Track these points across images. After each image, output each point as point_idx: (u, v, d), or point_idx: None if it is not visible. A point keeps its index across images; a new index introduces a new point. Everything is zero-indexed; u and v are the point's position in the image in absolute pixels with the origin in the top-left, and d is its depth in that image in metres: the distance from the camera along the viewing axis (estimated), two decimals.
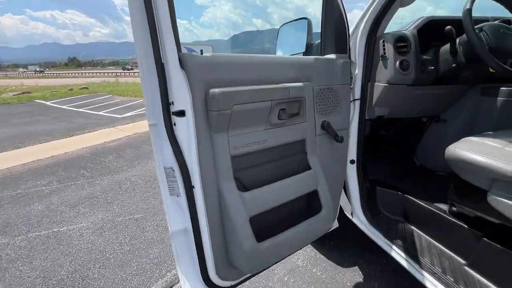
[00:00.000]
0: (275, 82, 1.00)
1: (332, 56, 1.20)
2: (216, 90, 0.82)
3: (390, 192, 1.50)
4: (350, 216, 1.56)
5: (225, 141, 0.89)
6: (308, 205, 1.19)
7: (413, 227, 1.37)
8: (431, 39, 1.39)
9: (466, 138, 1.12)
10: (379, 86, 1.35)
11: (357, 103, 1.39)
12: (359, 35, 1.34)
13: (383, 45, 1.30)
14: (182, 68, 0.80)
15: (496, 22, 1.26)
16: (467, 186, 1.07)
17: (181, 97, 0.81)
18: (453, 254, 1.18)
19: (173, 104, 0.82)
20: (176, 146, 0.85)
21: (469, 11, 1.08)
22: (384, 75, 1.32)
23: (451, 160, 1.08)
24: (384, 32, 1.34)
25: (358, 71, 1.37)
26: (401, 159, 1.85)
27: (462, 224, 1.16)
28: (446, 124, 1.63)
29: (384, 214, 1.50)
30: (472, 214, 1.14)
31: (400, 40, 1.29)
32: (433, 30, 1.37)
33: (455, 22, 1.38)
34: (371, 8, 1.26)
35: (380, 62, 1.33)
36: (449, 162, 1.11)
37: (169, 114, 0.82)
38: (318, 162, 1.18)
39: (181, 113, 0.82)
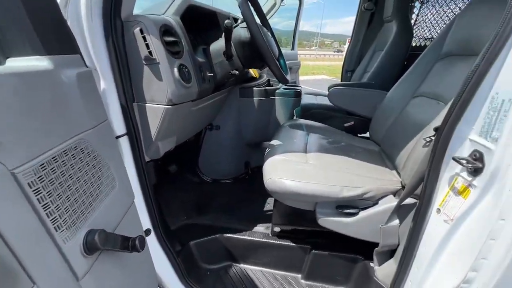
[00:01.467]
0: None
1: (43, 63, 0.44)
2: None
3: (206, 240, 1.13)
4: None
5: None
6: None
7: (247, 266, 1.14)
8: (193, 32, 1.03)
9: (270, 160, 0.98)
10: (157, 109, 0.80)
11: (124, 141, 0.76)
12: (82, 11, 0.65)
13: (144, 38, 0.73)
14: None
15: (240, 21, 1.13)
16: (288, 207, 0.98)
17: None
18: (291, 274, 1.11)
19: None
20: None
21: (246, 2, 0.83)
22: (160, 90, 0.78)
23: (275, 192, 0.90)
24: (134, 14, 0.76)
25: (105, 85, 0.71)
26: (189, 181, 1.51)
27: (288, 243, 1.09)
28: (220, 130, 1.48)
29: (211, 269, 1.12)
30: (295, 231, 1.10)
31: (168, 32, 0.79)
32: (193, 20, 1.01)
33: (216, 15, 1.12)
34: None
35: (146, 68, 0.76)
36: (272, 194, 0.92)
37: None
38: None
39: None
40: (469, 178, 0.59)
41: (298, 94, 1.51)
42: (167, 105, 0.79)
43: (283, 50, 2.74)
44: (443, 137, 0.62)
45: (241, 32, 0.94)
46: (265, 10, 2.29)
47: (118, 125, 0.76)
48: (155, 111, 0.80)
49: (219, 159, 1.56)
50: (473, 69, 0.55)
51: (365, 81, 1.93)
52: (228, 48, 0.95)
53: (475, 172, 0.57)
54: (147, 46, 0.73)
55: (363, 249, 0.97)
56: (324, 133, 1.27)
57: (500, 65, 0.51)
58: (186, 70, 0.83)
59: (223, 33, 0.92)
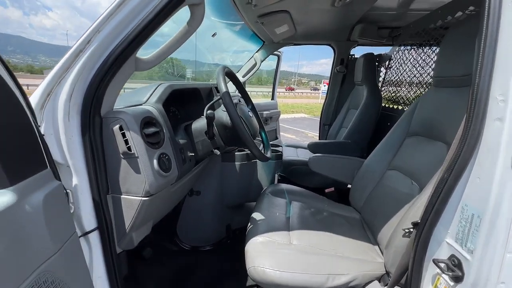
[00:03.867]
0: None
1: (4, 198, 0.42)
2: None
3: None
4: None
5: None
6: None
7: None
8: (172, 111, 1.04)
9: (253, 241, 0.94)
10: (132, 200, 0.77)
11: (94, 237, 0.71)
12: (60, 114, 0.65)
13: (123, 135, 0.72)
14: None
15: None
16: None
17: None
18: None
19: None
20: None
21: (228, 93, 0.86)
22: (137, 183, 0.75)
23: (258, 281, 0.84)
24: (115, 109, 0.76)
25: (78, 180, 0.68)
26: (166, 251, 1.41)
27: None
28: (200, 196, 1.44)
29: None
30: None
31: (149, 123, 0.79)
32: (174, 101, 1.03)
33: (199, 90, 1.15)
34: (83, 59, 0.64)
35: (124, 161, 0.74)
36: (256, 282, 0.87)
37: None
38: None
39: None
40: (451, 283, 0.60)
41: (279, 157, 1.54)
42: (144, 197, 0.76)
43: (264, 102, 2.86)
44: (422, 238, 0.63)
45: (223, 115, 0.97)
46: (246, 69, 2.43)
47: (89, 220, 0.71)
48: (131, 203, 0.77)
49: (199, 225, 1.48)
50: (441, 179, 0.58)
51: (342, 137, 2.03)
52: (210, 130, 0.97)
53: (456, 279, 0.58)
54: (126, 141, 0.72)
55: None
56: (306, 201, 1.27)
57: (466, 181, 0.55)
58: (166, 157, 0.82)
59: (205, 118, 0.94)
